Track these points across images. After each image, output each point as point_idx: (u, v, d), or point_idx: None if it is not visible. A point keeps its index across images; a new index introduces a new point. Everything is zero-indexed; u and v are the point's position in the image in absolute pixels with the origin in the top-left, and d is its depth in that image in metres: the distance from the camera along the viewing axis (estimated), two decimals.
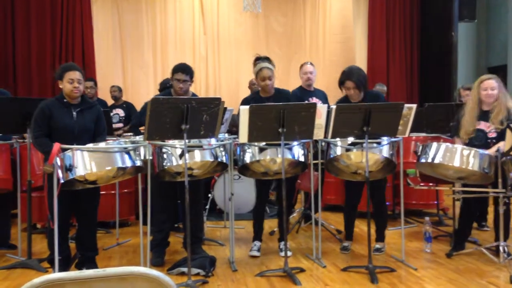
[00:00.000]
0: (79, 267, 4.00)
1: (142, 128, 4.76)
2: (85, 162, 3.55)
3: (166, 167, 4.03)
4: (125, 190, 5.63)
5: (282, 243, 4.44)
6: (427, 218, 4.73)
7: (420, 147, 4.39)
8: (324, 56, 9.61)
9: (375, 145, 4.20)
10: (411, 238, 5.08)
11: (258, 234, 4.67)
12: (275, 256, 4.51)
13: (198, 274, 3.90)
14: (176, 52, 9.15)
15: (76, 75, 3.82)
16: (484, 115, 4.36)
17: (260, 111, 3.85)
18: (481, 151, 4.11)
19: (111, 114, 7.29)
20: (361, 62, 9.36)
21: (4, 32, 8.29)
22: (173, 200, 4.53)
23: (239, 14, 9.20)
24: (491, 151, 4.16)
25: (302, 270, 4.05)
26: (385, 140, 4.20)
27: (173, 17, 9.22)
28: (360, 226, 4.94)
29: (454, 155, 4.16)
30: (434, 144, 4.28)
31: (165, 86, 5.91)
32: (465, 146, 4.24)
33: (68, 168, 3.53)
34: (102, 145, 3.70)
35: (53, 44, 8.48)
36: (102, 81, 8.52)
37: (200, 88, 9.00)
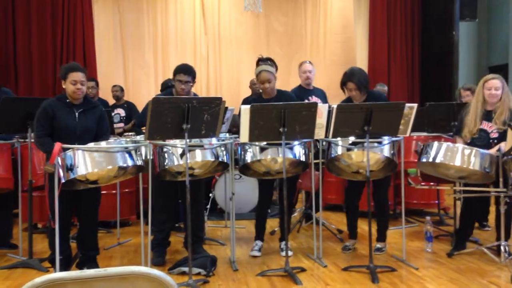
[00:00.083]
0: (80, 266, 4.01)
1: (144, 128, 4.77)
2: (86, 161, 3.55)
3: (167, 167, 4.03)
4: (126, 190, 5.64)
5: (283, 242, 4.44)
6: (428, 218, 4.73)
7: (421, 147, 4.39)
8: (325, 55, 9.60)
9: (376, 144, 4.20)
10: (412, 237, 5.08)
11: (260, 234, 4.67)
12: (276, 256, 4.51)
13: (199, 273, 3.90)
14: (177, 52, 9.15)
15: (79, 76, 3.81)
16: (487, 115, 4.35)
17: (261, 111, 3.85)
18: (482, 150, 4.10)
19: (112, 114, 7.30)
20: (362, 61, 9.36)
21: (5, 31, 8.30)
22: (174, 200, 4.54)
23: (240, 14, 9.20)
24: (492, 150, 4.16)
25: (303, 270, 4.05)
26: (386, 139, 4.20)
27: (174, 17, 9.22)
28: (361, 226, 4.93)
29: (455, 155, 4.15)
30: (435, 144, 4.28)
31: (166, 86, 5.92)
32: (466, 146, 4.24)
33: (69, 168, 3.53)
34: (103, 144, 3.70)
35: (54, 44, 8.48)
36: (103, 81, 8.52)
37: (201, 87, 9.00)
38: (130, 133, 5.87)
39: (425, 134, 5.53)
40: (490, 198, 4.89)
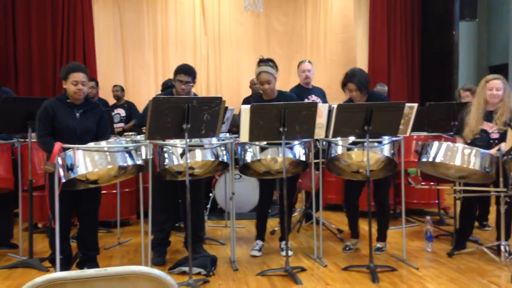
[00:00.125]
0: (80, 266, 4.01)
1: (144, 128, 4.77)
2: (86, 161, 3.56)
3: (167, 167, 4.03)
4: (126, 190, 5.64)
5: (283, 242, 4.44)
6: (428, 217, 4.73)
7: (421, 146, 4.39)
8: (325, 55, 9.60)
9: (376, 144, 4.20)
10: (412, 237, 5.08)
11: (260, 233, 4.67)
12: (276, 256, 4.51)
13: (199, 273, 3.91)
14: (177, 52, 9.15)
15: (80, 77, 3.80)
16: (488, 116, 4.35)
17: (261, 110, 3.85)
18: (482, 150, 4.10)
19: (113, 113, 7.31)
20: (362, 61, 9.36)
21: (5, 32, 8.30)
22: (174, 200, 4.54)
23: (240, 14, 9.20)
24: (493, 151, 4.16)
25: (303, 270, 4.05)
26: (386, 139, 4.20)
27: (174, 17, 9.21)
28: (362, 226, 4.93)
29: (455, 154, 4.15)
30: (435, 143, 4.28)
31: (167, 86, 5.92)
32: (466, 145, 4.24)
33: (70, 168, 3.53)
34: (103, 144, 3.70)
35: (54, 44, 8.48)
36: (103, 81, 8.52)
37: (201, 87, 9.00)
38: (130, 133, 5.87)
39: (425, 134, 5.53)
40: (490, 197, 4.89)
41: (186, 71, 4.26)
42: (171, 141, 3.96)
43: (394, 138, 4.20)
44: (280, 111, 3.82)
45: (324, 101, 5.41)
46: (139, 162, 3.80)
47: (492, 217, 5.21)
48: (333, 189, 6.33)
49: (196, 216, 4.28)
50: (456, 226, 4.70)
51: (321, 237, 4.48)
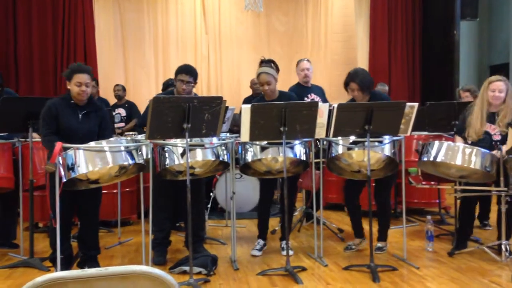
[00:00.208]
0: (81, 266, 4.01)
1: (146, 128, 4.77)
2: (87, 160, 3.56)
3: (167, 166, 4.04)
4: (127, 189, 5.64)
5: (284, 242, 4.44)
6: (429, 217, 4.72)
7: (421, 146, 4.39)
8: (326, 55, 9.59)
9: (376, 143, 4.20)
10: (413, 237, 5.08)
11: (262, 233, 4.67)
12: (277, 255, 4.51)
13: (200, 273, 3.91)
14: (177, 51, 9.14)
15: (84, 78, 3.79)
16: (490, 117, 4.34)
17: (261, 110, 3.86)
18: (483, 149, 4.10)
19: (113, 113, 7.31)
20: (362, 61, 9.35)
21: (6, 31, 8.30)
22: (174, 199, 4.53)
23: (241, 13, 9.19)
24: (493, 149, 4.16)
25: (303, 269, 4.05)
26: (386, 138, 4.19)
27: (175, 16, 9.21)
28: (362, 225, 4.93)
29: (456, 154, 4.15)
30: (436, 143, 4.28)
31: (167, 85, 5.93)
32: (467, 145, 4.24)
33: (70, 167, 3.53)
34: (104, 143, 3.70)
35: (54, 44, 8.47)
36: (104, 80, 8.53)
37: (201, 87, 8.99)
38: (131, 133, 5.87)
39: (426, 133, 5.53)
40: (491, 197, 4.88)
41: (188, 71, 4.26)
42: (172, 141, 3.96)
43: (395, 138, 4.20)
44: (281, 110, 3.82)
45: (324, 99, 5.41)
46: (140, 161, 3.80)
47: (493, 216, 5.21)
48: (333, 189, 6.33)
49: (197, 216, 4.29)
50: (457, 225, 4.70)
51: (322, 237, 4.48)
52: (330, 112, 4.08)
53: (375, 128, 3.93)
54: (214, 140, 4.05)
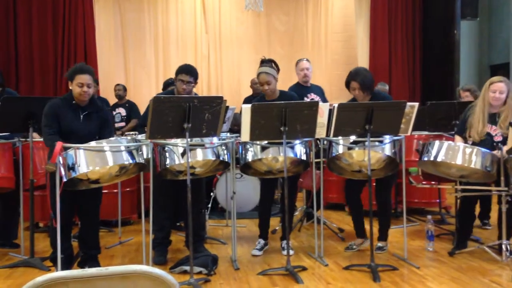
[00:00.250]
0: (81, 265, 4.01)
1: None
2: (87, 160, 3.56)
3: (168, 166, 4.04)
4: (127, 189, 5.65)
5: (284, 241, 4.44)
6: (429, 217, 4.72)
7: (422, 145, 4.39)
8: (326, 54, 9.60)
9: (377, 143, 4.20)
10: (413, 236, 5.08)
11: (263, 232, 4.67)
12: (277, 255, 4.51)
13: (200, 272, 3.91)
14: (178, 51, 9.15)
15: (86, 79, 3.77)
16: (490, 118, 4.34)
17: (262, 110, 3.85)
18: (483, 149, 4.10)
19: (113, 113, 7.32)
20: (363, 60, 9.35)
21: (6, 32, 8.30)
22: (174, 199, 4.53)
23: (241, 13, 9.19)
24: (494, 149, 4.15)
25: (304, 269, 4.05)
26: (387, 138, 4.19)
27: (175, 16, 9.21)
28: (364, 225, 4.93)
29: (456, 153, 4.15)
30: (437, 142, 4.28)
31: (167, 84, 5.94)
32: (467, 144, 4.24)
33: (71, 167, 3.53)
34: (104, 143, 3.69)
35: (55, 44, 8.47)
36: (104, 80, 8.53)
37: (202, 87, 8.99)
38: (131, 132, 5.88)
39: (426, 133, 5.52)
40: (491, 196, 4.88)
41: (188, 71, 4.25)
42: (172, 141, 3.96)
43: (395, 137, 4.20)
44: (281, 110, 3.82)
45: (323, 99, 5.40)
46: (140, 160, 3.80)
47: (493, 216, 5.21)
48: (334, 189, 6.33)
49: (197, 216, 4.29)
50: (457, 225, 4.70)
51: (322, 236, 4.48)
52: (331, 111, 4.08)
53: (376, 128, 3.93)
54: (215, 140, 4.05)
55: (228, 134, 4.90)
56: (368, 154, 3.94)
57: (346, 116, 3.94)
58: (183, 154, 3.94)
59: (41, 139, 4.69)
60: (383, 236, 4.63)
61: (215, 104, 3.69)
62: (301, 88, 5.45)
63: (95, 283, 1.34)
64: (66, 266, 3.81)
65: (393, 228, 4.89)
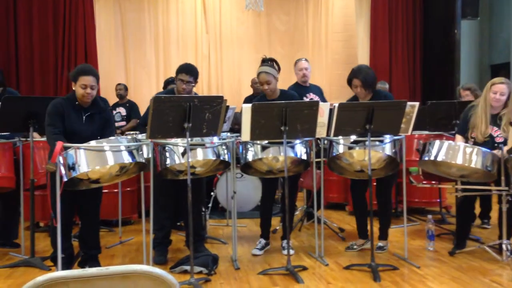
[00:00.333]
0: (82, 265, 4.01)
1: None
2: (87, 159, 3.55)
3: (168, 166, 4.04)
4: (128, 189, 5.64)
5: (285, 241, 4.44)
6: (429, 216, 4.72)
7: (422, 145, 4.38)
8: (327, 54, 9.59)
9: (377, 143, 4.20)
10: (413, 236, 5.07)
11: (264, 232, 4.67)
12: (278, 254, 4.51)
13: (200, 272, 3.91)
14: (178, 51, 9.15)
15: (89, 80, 3.76)
16: (492, 119, 4.33)
17: (262, 109, 3.85)
18: (484, 149, 4.10)
19: (114, 112, 7.32)
20: (363, 60, 9.34)
21: (7, 31, 8.30)
22: (174, 198, 4.53)
23: (241, 13, 9.19)
24: (494, 151, 4.15)
25: (304, 268, 4.05)
26: (387, 138, 4.19)
27: (175, 16, 9.21)
28: (367, 226, 4.94)
29: (457, 153, 4.15)
30: (437, 142, 4.27)
31: (168, 83, 5.94)
32: (467, 144, 4.23)
33: (71, 167, 3.53)
34: (104, 143, 3.69)
35: (55, 44, 8.47)
36: (105, 80, 8.51)
37: (202, 86, 9.00)
38: (132, 132, 5.88)
39: (426, 132, 5.52)
40: (492, 196, 4.88)
41: (188, 71, 4.25)
42: (173, 140, 3.96)
43: (396, 137, 4.19)
44: (282, 110, 3.81)
45: (322, 99, 5.40)
46: (140, 160, 3.80)
47: (493, 215, 5.21)
48: (334, 188, 6.34)
49: (197, 215, 4.28)
50: (456, 225, 4.69)
51: (323, 236, 4.48)
52: (331, 111, 4.08)
53: (376, 128, 3.93)
54: (215, 139, 4.05)
55: (229, 134, 4.90)
56: (369, 154, 3.94)
57: (346, 115, 3.94)
58: (183, 153, 3.94)
59: (42, 139, 4.71)
60: (383, 236, 4.63)
61: (216, 103, 3.69)
62: (300, 88, 5.44)
63: (95, 283, 1.34)
64: (67, 265, 3.81)
65: (393, 227, 4.89)
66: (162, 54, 9.16)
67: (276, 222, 5.37)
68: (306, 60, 5.61)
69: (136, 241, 5.05)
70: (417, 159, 4.50)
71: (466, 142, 4.37)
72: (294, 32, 9.60)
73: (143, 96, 8.38)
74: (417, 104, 4.27)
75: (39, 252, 4.53)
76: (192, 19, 9.25)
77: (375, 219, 4.23)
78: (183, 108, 3.57)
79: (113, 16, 9.00)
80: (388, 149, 4.23)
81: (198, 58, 9.11)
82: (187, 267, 3.86)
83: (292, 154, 4.25)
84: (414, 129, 4.45)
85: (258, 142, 4.21)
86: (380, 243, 4.60)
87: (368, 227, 4.17)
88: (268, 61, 4.42)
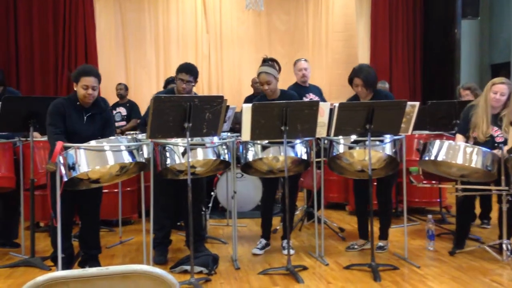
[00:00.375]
0: (82, 265, 4.01)
1: None
2: (88, 159, 3.55)
3: (168, 165, 4.04)
4: (128, 189, 5.64)
5: (285, 241, 4.44)
6: (430, 216, 4.72)
7: (422, 145, 4.38)
8: (327, 54, 9.59)
9: (377, 142, 4.20)
10: (414, 236, 5.07)
11: (265, 232, 4.67)
12: (278, 254, 4.51)
13: (201, 272, 3.91)
14: (178, 51, 9.14)
15: (91, 81, 3.75)
16: (492, 119, 4.33)
17: (262, 109, 3.85)
18: (484, 148, 4.10)
19: (114, 112, 7.32)
20: (363, 60, 9.33)
21: (7, 31, 8.30)
22: (174, 198, 4.53)
23: (242, 12, 9.19)
24: (495, 150, 4.15)
25: (305, 268, 4.05)
26: (387, 137, 4.19)
27: (176, 16, 9.21)
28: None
29: (457, 153, 4.15)
30: (437, 142, 4.27)
31: (168, 82, 5.94)
32: (468, 144, 4.23)
33: (71, 167, 3.53)
34: (104, 143, 3.69)
35: (55, 44, 8.47)
36: (105, 80, 8.43)
37: (202, 86, 9.00)
38: (132, 132, 5.88)
39: (427, 132, 5.52)
40: (492, 196, 4.88)
41: (188, 70, 4.25)
42: (173, 140, 3.96)
43: (396, 137, 4.19)
44: (282, 109, 3.81)
45: (322, 99, 5.39)
46: (141, 160, 3.80)
47: (494, 216, 5.21)
48: (334, 188, 6.34)
49: (197, 215, 4.28)
50: (456, 225, 4.69)
51: (323, 236, 4.48)
52: (331, 111, 4.08)
53: (376, 127, 3.93)
54: (215, 139, 4.05)
55: (229, 134, 4.90)
56: (369, 154, 3.94)
57: (346, 115, 3.94)
58: (183, 153, 3.94)
59: (42, 139, 4.71)
60: (383, 235, 4.63)
61: (216, 103, 3.69)
62: (300, 88, 5.44)
63: (95, 283, 1.34)
64: (67, 265, 3.81)
65: (393, 227, 4.89)
66: (163, 54, 9.15)
67: (276, 222, 5.36)
68: (305, 60, 5.61)
69: (136, 241, 5.05)
70: (417, 159, 4.50)
71: (467, 141, 4.36)
72: (294, 32, 9.60)
73: (143, 96, 8.37)
74: (417, 103, 4.27)
75: (39, 252, 4.53)
76: (193, 19, 9.25)
77: (375, 219, 4.23)
78: (183, 108, 3.57)
79: (113, 16, 9.00)
80: (388, 149, 4.23)
81: (199, 58, 9.10)
82: (187, 267, 3.86)
83: (292, 154, 4.25)
84: (414, 129, 4.45)
85: (258, 142, 4.21)
86: (380, 243, 4.60)
87: (368, 227, 4.17)
88: (268, 61, 4.42)
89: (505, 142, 4.23)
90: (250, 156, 4.31)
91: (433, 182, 4.85)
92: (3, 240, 4.85)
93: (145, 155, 4.07)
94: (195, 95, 4.55)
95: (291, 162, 4.33)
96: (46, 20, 8.44)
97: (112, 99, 7.57)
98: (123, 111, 7.57)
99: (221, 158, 4.11)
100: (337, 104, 3.95)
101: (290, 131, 3.88)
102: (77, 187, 3.77)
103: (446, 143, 4.25)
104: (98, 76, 3.83)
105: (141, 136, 4.47)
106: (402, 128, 4.07)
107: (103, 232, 4.97)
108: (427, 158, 4.29)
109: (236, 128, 5.70)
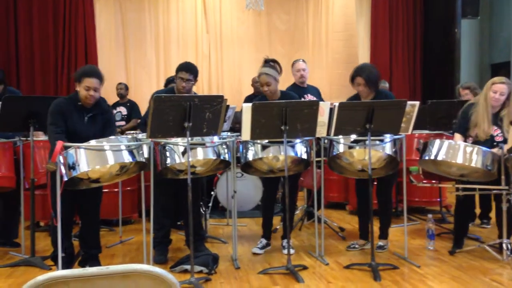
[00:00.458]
0: (82, 264, 4.01)
1: None
2: (88, 159, 3.55)
3: (168, 165, 4.04)
4: (128, 188, 5.64)
5: (285, 240, 4.44)
6: (430, 216, 4.72)
7: (422, 144, 4.38)
8: (327, 53, 9.59)
9: (377, 142, 4.20)
10: (414, 235, 5.08)
11: (265, 232, 4.67)
12: (278, 254, 4.51)
13: (201, 271, 3.91)
14: (178, 51, 9.14)
15: (93, 83, 3.75)
16: (492, 118, 4.33)
17: (262, 109, 3.85)
18: (484, 148, 4.10)
19: (114, 111, 7.32)
20: (364, 59, 9.33)
21: (7, 31, 8.30)
22: (173, 198, 4.53)
23: (242, 12, 9.19)
24: (494, 149, 4.15)
25: (305, 268, 4.05)
26: (388, 137, 4.19)
27: (176, 16, 9.21)
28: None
29: (457, 152, 4.15)
30: (437, 141, 4.28)
31: (169, 82, 5.94)
32: (468, 143, 4.23)
33: (71, 166, 3.53)
34: (105, 142, 3.69)
35: (55, 44, 8.47)
36: (105, 80, 8.50)
37: (202, 86, 9.00)
38: (132, 131, 5.87)
39: (427, 132, 5.52)
40: (491, 195, 4.88)
41: (188, 69, 4.26)
42: (173, 140, 3.96)
43: (396, 136, 4.19)
44: (282, 109, 3.81)
45: (320, 100, 5.39)
46: (141, 159, 3.80)
47: (494, 215, 5.21)
48: (334, 187, 6.35)
49: (196, 215, 4.29)
50: (454, 224, 4.69)
51: (323, 235, 4.48)
52: (331, 110, 4.08)
53: (376, 127, 3.93)
54: (215, 139, 4.05)
55: (229, 133, 4.90)
56: (369, 153, 3.94)
57: (346, 115, 3.94)
58: (183, 153, 3.94)
59: (42, 139, 4.71)
60: (383, 235, 4.63)
61: (216, 103, 3.69)
62: (298, 89, 5.43)
63: (95, 282, 1.34)
64: (67, 265, 3.81)
65: (393, 227, 4.89)
66: (163, 54, 9.15)
67: (276, 221, 5.36)
68: (303, 61, 5.62)
69: (136, 240, 5.05)
70: (417, 158, 4.50)
71: (465, 140, 4.36)
72: (295, 32, 9.60)
73: (144, 96, 8.35)
74: (417, 103, 4.27)
75: (39, 251, 4.53)
76: (193, 18, 9.25)
77: (375, 218, 4.23)
78: (184, 108, 3.57)
79: (113, 16, 9.00)
80: (388, 149, 4.23)
81: (199, 58, 9.10)
82: (187, 267, 3.86)
83: (292, 154, 4.25)
84: (414, 128, 4.45)
85: (259, 141, 4.21)
86: (381, 242, 4.60)
87: (369, 227, 4.17)
88: (270, 62, 4.41)
89: (505, 141, 4.22)
90: (250, 156, 4.31)
91: (433, 181, 4.85)
92: (3, 240, 4.85)
93: (145, 155, 4.07)
94: (195, 94, 4.56)
95: (291, 162, 4.33)
96: (46, 20, 8.44)
97: (112, 98, 7.57)
98: (123, 110, 7.58)
99: (221, 157, 4.11)
100: (337, 104, 3.95)
101: (290, 131, 3.88)
102: (77, 186, 3.77)
103: (446, 142, 4.25)
104: (100, 78, 3.83)
105: (141, 135, 4.47)
106: (402, 127, 4.07)
107: (103, 232, 4.98)
108: (427, 158, 4.29)
109: (236, 127, 5.70)
